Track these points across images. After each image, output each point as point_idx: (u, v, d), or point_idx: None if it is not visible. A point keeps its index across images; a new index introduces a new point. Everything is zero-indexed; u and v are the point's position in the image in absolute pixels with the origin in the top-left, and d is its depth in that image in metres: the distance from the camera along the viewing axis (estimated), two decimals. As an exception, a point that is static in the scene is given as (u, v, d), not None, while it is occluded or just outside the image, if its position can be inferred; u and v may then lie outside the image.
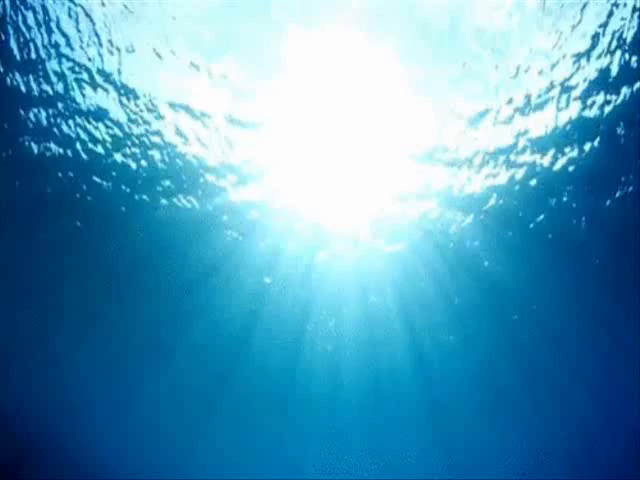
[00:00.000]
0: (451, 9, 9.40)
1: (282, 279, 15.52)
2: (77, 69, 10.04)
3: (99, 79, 10.21)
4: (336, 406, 23.00)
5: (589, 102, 10.21)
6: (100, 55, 9.84)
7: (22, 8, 8.99)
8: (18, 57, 9.85)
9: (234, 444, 26.86)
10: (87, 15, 9.20)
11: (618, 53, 9.34)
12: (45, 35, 9.47)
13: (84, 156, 11.99)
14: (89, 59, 9.90)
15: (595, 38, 9.23)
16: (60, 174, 12.42)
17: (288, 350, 18.98)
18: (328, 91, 10.67)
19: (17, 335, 17.81)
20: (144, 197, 12.91)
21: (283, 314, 17.14)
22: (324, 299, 16.39)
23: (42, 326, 17.39)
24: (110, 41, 9.58)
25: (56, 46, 9.67)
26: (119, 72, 10.03)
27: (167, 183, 12.40)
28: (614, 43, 9.21)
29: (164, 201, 12.95)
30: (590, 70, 9.75)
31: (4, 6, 8.95)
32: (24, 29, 9.36)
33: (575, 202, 12.28)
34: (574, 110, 10.38)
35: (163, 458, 27.41)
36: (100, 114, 10.93)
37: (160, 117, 10.93)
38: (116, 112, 10.91)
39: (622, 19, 8.86)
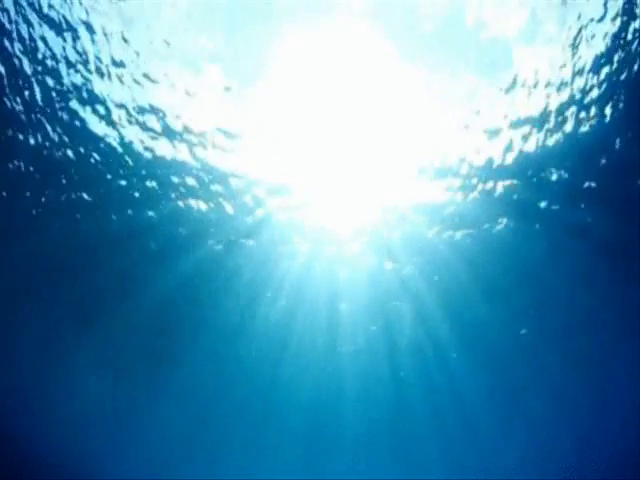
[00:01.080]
0: (451, 9, 9.11)
1: (286, 286, 15.25)
2: (68, 89, 9.82)
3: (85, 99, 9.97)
4: (344, 420, 22.82)
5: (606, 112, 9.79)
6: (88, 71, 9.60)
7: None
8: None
9: (235, 448, 26.75)
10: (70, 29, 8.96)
11: None
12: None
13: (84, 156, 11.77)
14: (78, 72, 9.67)
15: (605, 40, 8.81)
16: (62, 177, 12.25)
17: (295, 359, 18.77)
18: (328, 90, 10.47)
19: (17, 335, 17.74)
20: (148, 197, 12.72)
21: (290, 321, 16.89)
22: (329, 308, 16.10)
23: (42, 325, 17.27)
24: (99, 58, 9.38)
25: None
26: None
27: (172, 189, 12.13)
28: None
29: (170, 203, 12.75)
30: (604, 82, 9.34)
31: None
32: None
33: (591, 216, 11.84)
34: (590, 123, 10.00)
35: (164, 461, 27.36)
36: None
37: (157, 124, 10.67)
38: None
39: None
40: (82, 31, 9.10)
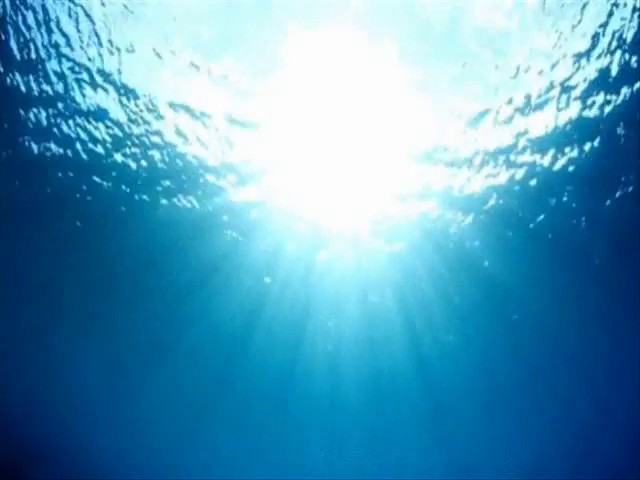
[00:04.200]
0: (451, 9, 9.37)
1: (282, 279, 15.47)
2: (77, 69, 10.02)
3: (99, 79, 10.19)
4: (336, 406, 22.94)
5: (589, 102, 10.17)
6: (100, 55, 9.82)
7: (22, 8, 8.98)
8: (18, 57, 9.84)
9: (234, 444, 26.80)
10: (87, 15, 9.18)
11: (618, 53, 9.31)
12: (45, 35, 9.46)
13: (84, 156, 11.97)
14: (89, 59, 9.87)
15: (595, 38, 9.20)
16: (60, 174, 12.40)
17: (288, 350, 18.93)
18: (328, 91, 10.63)
19: (17, 335, 17.77)
20: (144, 197, 12.89)
21: (283, 314, 17.09)
22: (324, 299, 16.34)
23: (42, 326, 17.35)
24: (110, 41, 9.56)
25: (56, 46, 9.66)
26: (119, 72, 10.00)
27: (167, 183, 12.37)
28: (614, 43, 9.18)
29: (164, 201, 12.92)
30: (590, 70, 9.71)
31: (4, 6, 8.93)
32: (24, 29, 9.34)
33: (575, 202, 12.24)
34: (574, 110, 10.35)
35: (164, 459, 27.36)
36: (100, 114, 10.91)
37: (160, 117, 10.91)
38: (116, 112, 10.88)
39: (622, 19, 8.84)
40: (82, 36, 9.31)
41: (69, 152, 11.83)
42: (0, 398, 20.20)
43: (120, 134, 11.32)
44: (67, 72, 10.05)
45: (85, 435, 23.07)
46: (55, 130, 11.28)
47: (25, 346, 18.13)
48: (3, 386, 19.98)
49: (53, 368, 19.25)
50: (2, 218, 13.55)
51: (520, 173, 11.79)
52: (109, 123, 11.05)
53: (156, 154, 11.74)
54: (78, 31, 9.42)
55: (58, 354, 18.40)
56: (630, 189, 11.64)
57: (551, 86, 10.03)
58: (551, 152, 11.21)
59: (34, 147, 11.74)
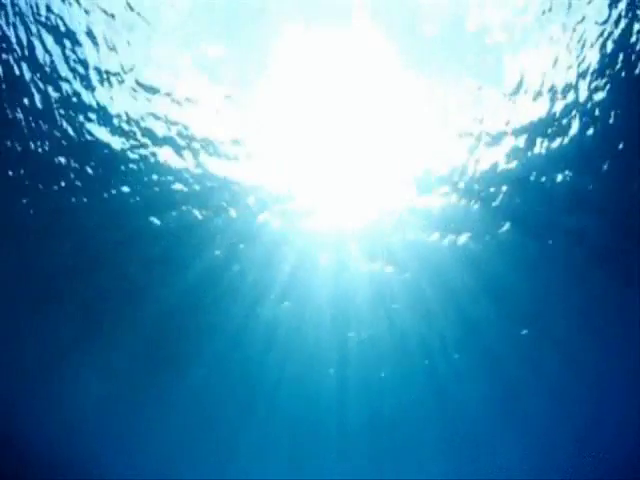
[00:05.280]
0: (456, 15, 9.05)
1: (284, 286, 15.19)
2: (78, 68, 9.72)
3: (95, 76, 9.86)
4: (345, 422, 22.77)
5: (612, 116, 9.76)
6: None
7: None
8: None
9: (243, 455, 26.69)
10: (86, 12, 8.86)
11: None
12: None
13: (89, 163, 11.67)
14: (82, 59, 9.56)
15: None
16: (64, 183, 12.15)
17: (299, 364, 18.70)
18: (328, 98, 10.45)
19: (22, 350, 17.65)
20: (156, 209, 12.65)
21: (290, 327, 16.83)
22: (335, 310, 16.04)
23: (47, 335, 17.19)
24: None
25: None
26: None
27: (178, 193, 12.05)
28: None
29: (174, 212, 12.68)
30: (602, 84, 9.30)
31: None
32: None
33: (591, 220, 11.83)
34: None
35: (170, 468, 27.26)
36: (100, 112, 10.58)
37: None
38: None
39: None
40: (82, 37, 9.01)
41: (73, 162, 11.56)
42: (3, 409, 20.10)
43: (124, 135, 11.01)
44: (69, 74, 9.75)
45: (90, 441, 22.94)
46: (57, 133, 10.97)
47: (30, 351, 17.95)
48: (9, 391, 19.87)
49: (57, 372, 19.08)
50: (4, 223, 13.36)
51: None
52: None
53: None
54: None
55: (62, 359, 18.20)
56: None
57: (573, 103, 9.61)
58: (575, 166, 10.77)
59: (36, 148, 11.44)
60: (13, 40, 9.06)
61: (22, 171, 11.64)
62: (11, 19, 8.76)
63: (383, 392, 20.29)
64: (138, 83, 9.66)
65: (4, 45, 9.05)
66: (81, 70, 9.41)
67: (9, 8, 8.60)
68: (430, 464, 26.70)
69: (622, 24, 8.63)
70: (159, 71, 9.48)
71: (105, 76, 9.53)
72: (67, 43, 8.98)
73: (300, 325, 16.47)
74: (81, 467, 22.42)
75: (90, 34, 8.92)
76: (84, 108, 9.98)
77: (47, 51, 9.13)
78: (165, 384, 19.51)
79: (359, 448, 25.28)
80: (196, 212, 12.46)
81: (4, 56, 9.23)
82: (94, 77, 9.45)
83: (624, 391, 19.05)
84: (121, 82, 9.58)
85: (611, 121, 9.90)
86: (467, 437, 23.97)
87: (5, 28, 8.75)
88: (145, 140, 10.66)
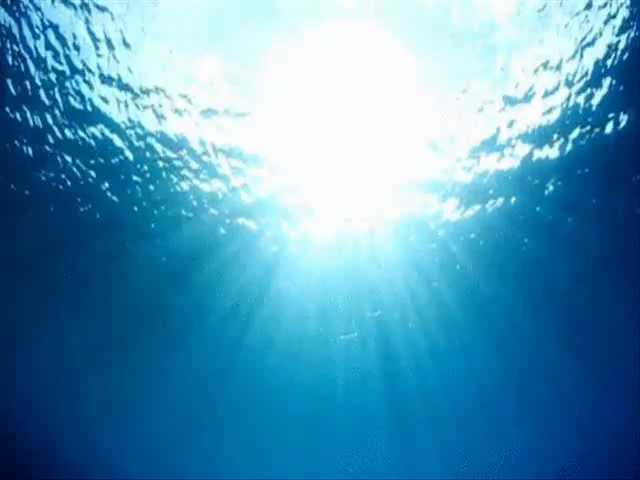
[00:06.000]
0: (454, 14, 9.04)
1: (285, 284, 15.19)
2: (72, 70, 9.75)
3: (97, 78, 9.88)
4: (341, 412, 22.81)
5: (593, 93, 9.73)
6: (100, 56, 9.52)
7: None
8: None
9: (235, 446, 26.71)
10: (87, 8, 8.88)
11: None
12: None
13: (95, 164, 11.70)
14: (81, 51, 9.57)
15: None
16: (66, 183, 12.19)
17: (290, 354, 18.70)
18: (329, 86, 10.37)
19: (10, 328, 17.55)
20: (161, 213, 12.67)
21: (284, 319, 16.84)
22: (328, 305, 16.04)
23: (34, 317, 17.13)
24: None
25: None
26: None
27: (171, 166, 11.99)
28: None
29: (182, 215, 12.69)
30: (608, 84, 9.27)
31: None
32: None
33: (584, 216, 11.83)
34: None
35: (161, 456, 27.30)
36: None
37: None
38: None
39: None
40: (82, 38, 9.03)
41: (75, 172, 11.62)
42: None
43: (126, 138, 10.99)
44: (66, 70, 9.76)
45: (79, 428, 22.92)
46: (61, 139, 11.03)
47: (17, 333, 17.86)
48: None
49: (45, 356, 18.99)
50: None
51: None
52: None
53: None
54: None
55: (50, 342, 18.10)
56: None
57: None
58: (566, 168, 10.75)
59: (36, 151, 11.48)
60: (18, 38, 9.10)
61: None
62: (16, 17, 8.79)
63: (375, 384, 20.35)
64: (140, 89, 9.71)
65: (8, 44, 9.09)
66: (81, 42, 9.31)
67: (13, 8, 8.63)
68: (430, 464, 26.71)
69: (622, 24, 8.61)
70: (158, 76, 9.52)
71: (108, 81, 9.57)
72: (68, 44, 9.03)
73: (293, 306, 16.37)
74: (66, 452, 22.36)
75: (92, 35, 8.97)
76: (85, 81, 9.93)
77: (47, 50, 9.18)
78: (152, 365, 19.36)
79: (359, 446, 25.34)
80: (189, 184, 12.29)
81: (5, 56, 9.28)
82: (94, 49, 9.40)
83: (631, 390, 18.95)
84: (124, 88, 9.63)
85: (611, 123, 9.89)
86: (470, 434, 23.97)
87: (8, 27, 8.79)
88: (144, 111, 10.59)
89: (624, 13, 8.41)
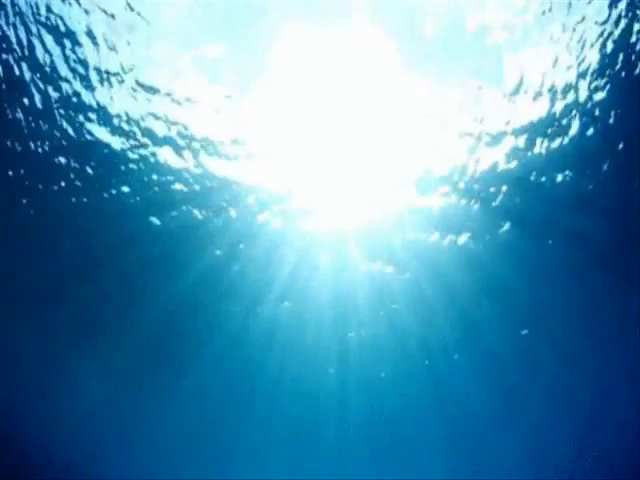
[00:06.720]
0: (456, 15, 9.03)
1: (285, 286, 15.17)
2: (78, 68, 9.71)
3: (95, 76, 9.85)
4: (345, 422, 22.74)
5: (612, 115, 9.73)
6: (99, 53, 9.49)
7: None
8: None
9: (243, 456, 26.65)
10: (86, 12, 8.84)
11: None
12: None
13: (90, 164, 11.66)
14: (77, 78, 9.56)
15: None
16: (64, 183, 12.13)
17: (298, 363, 18.66)
18: (328, 98, 10.42)
19: (22, 350, 17.63)
20: (156, 209, 12.62)
21: (290, 326, 16.80)
22: (335, 309, 16.01)
23: (47, 335, 17.18)
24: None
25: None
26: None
27: (178, 193, 12.03)
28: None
29: (174, 212, 12.64)
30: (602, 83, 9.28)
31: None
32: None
33: (591, 220, 11.81)
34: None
35: (170, 469, 27.24)
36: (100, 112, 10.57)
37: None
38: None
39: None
40: (82, 37, 9.00)
41: (73, 161, 11.53)
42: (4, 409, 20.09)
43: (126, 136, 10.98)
44: (69, 74, 9.73)
45: (90, 442, 22.92)
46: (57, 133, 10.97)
47: (30, 352, 17.95)
48: (10, 393, 19.85)
49: (57, 374, 19.07)
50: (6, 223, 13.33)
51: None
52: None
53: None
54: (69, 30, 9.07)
55: (63, 360, 18.19)
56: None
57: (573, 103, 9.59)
58: (576, 168, 10.75)
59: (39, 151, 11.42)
60: (13, 40, 9.06)
61: (22, 171, 11.63)
62: (11, 19, 8.76)
63: (383, 392, 20.27)
64: (138, 83, 9.65)
65: (4, 45, 9.05)
66: (81, 70, 9.41)
67: (9, 8, 8.59)
68: (430, 464, 26.69)
69: (622, 24, 8.63)
70: (159, 71, 9.48)
71: (105, 76, 9.52)
72: (67, 43, 8.98)
73: (300, 324, 16.45)
74: (81, 467, 22.38)
75: (90, 34, 8.92)
76: (84, 108, 9.97)
77: (47, 51, 9.12)
78: (165, 384, 19.50)
79: (359, 448, 25.27)
80: (196, 212, 12.45)
81: (4, 56, 9.22)
82: (94, 77, 9.45)
83: (624, 391, 19.03)
84: (121, 82, 9.58)
85: (611, 121, 9.89)
86: (467, 437, 23.94)
87: (5, 28, 8.75)
88: (145, 140, 10.65)
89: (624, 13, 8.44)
